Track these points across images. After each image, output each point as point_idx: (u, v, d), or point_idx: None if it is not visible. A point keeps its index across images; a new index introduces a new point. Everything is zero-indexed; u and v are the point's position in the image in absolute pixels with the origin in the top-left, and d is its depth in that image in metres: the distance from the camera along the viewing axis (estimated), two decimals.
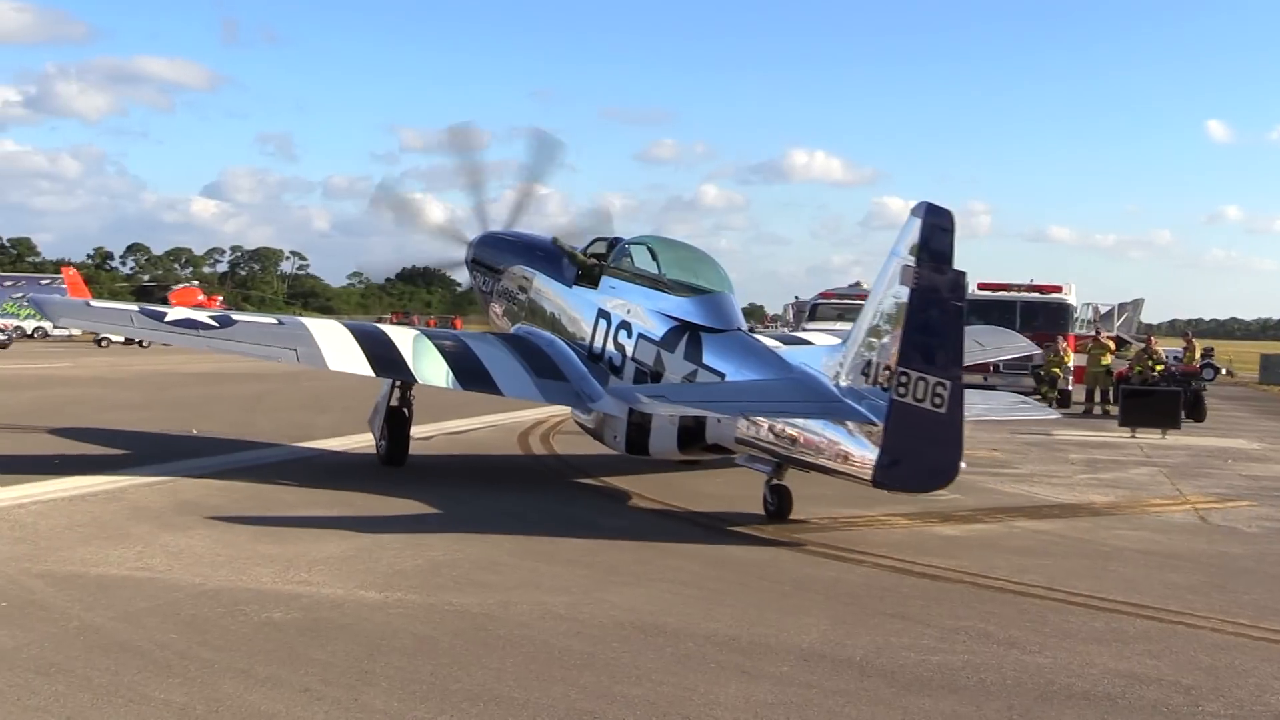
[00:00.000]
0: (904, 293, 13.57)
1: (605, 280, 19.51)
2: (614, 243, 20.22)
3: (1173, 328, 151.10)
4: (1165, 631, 10.98)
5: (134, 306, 19.24)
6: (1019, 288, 43.94)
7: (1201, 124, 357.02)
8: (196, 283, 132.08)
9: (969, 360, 29.07)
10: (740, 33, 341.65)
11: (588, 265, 20.18)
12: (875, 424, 13.66)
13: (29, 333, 75.88)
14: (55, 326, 68.93)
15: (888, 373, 13.61)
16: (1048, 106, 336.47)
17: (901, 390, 13.17)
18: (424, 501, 16.50)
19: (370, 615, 10.38)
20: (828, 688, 8.81)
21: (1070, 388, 41.40)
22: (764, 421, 15.74)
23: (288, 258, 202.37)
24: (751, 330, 18.69)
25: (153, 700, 7.99)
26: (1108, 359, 40.43)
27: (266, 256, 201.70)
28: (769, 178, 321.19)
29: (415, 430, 20.82)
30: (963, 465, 13.54)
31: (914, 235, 13.72)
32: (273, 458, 20.69)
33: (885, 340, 13.87)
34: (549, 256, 21.33)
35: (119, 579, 11.40)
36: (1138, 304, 53.83)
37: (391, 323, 33.92)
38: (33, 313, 71.70)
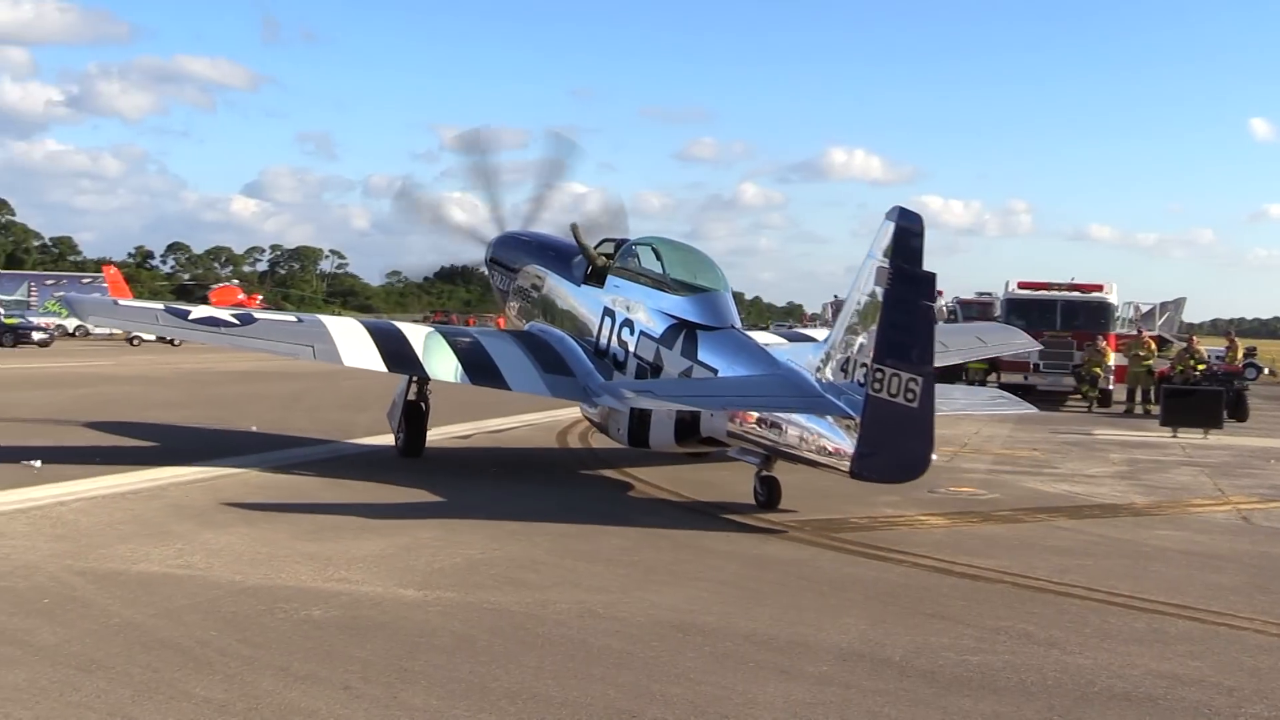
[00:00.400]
0: (880, 292, 14.38)
1: (610, 279, 20.13)
2: (620, 243, 20.89)
3: (1214, 327, 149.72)
4: (1207, 633, 10.92)
5: (159, 305, 20.01)
6: (1060, 287, 43.68)
7: (1245, 122, 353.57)
8: (236, 282, 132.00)
9: (973, 355, 31.55)
10: (780, 31, 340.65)
11: (597, 259, 20.80)
12: (853, 417, 14.43)
13: (70, 331, 76.36)
14: (90, 325, 70.23)
15: (864, 369, 14.28)
16: (1089, 104, 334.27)
17: (877, 386, 13.88)
18: (462, 499, 16.57)
19: (409, 613, 10.42)
20: (867, 687, 8.80)
21: (1111, 387, 41.22)
22: (753, 415, 16.30)
23: (327, 256, 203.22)
24: (756, 327, 19.02)
25: (193, 697, 8.04)
26: (1150, 358, 40.22)
27: (306, 255, 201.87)
28: (808, 176, 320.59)
29: (454, 429, 21.02)
30: (934, 458, 14.16)
31: (887, 239, 14.48)
32: (311, 456, 20.76)
33: (863, 338, 14.62)
34: (560, 256, 22.04)
35: (159, 576, 11.48)
36: (1179, 303, 53.32)
37: (433, 321, 34.23)
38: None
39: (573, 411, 28.12)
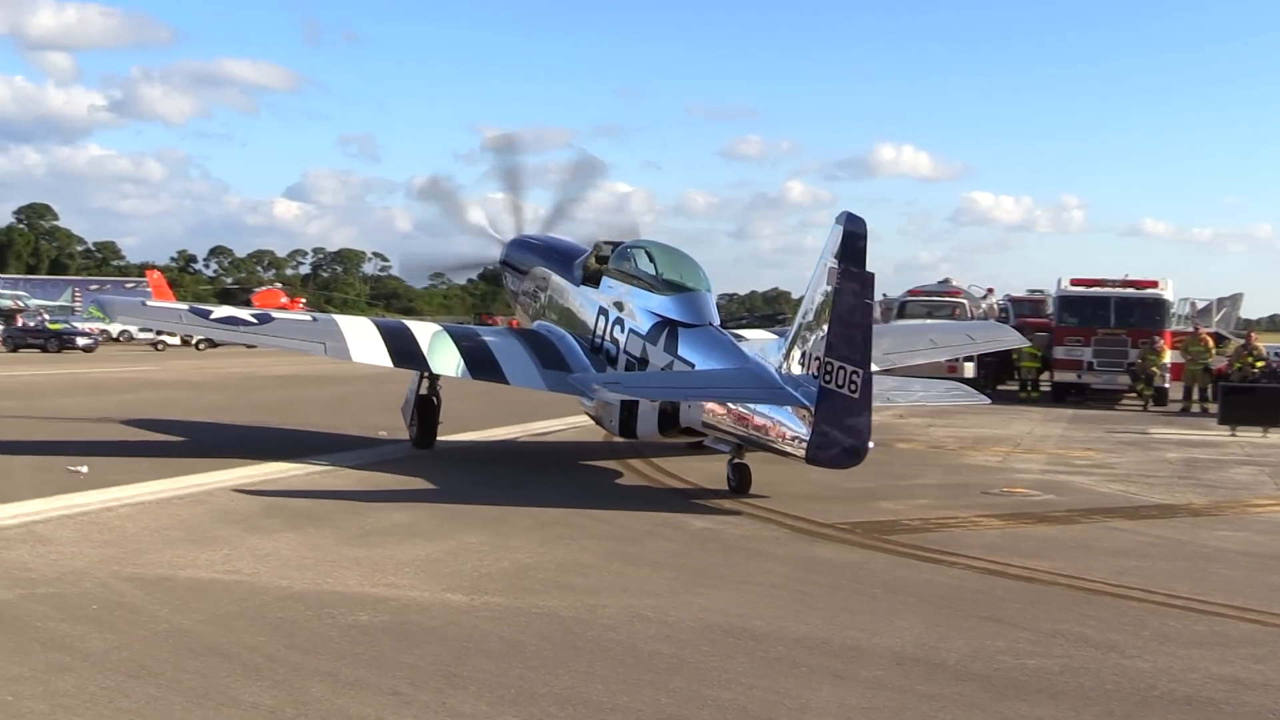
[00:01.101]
0: (830, 291, 15.76)
1: (605, 281, 21.64)
2: (615, 245, 22.22)
3: (1273, 323, 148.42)
4: (1270, 635, 10.79)
5: (184, 306, 22.28)
6: (1113, 283, 43.25)
7: None
8: (279, 285, 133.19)
9: (962, 352, 33.90)
10: (826, 27, 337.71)
11: (598, 268, 22.13)
12: (809, 408, 15.76)
13: (114, 336, 77.30)
14: (123, 325, 71.40)
15: (818, 362, 15.68)
16: (1142, 97, 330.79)
17: (828, 378, 15.38)
18: (509, 503, 16.54)
19: (457, 618, 10.42)
20: (922, 692, 8.73)
21: (1167, 385, 40.86)
22: (723, 408, 17.74)
23: (370, 259, 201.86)
24: (724, 324, 20.88)
25: (241, 703, 8.07)
26: (1207, 356, 39.84)
27: (349, 258, 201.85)
28: (856, 174, 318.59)
29: (500, 432, 21.18)
30: (871, 444, 15.55)
31: (837, 241, 15.88)
32: (358, 459, 20.82)
33: (818, 334, 15.92)
34: (564, 259, 23.69)
35: (207, 582, 11.53)
36: (1236, 299, 52.75)
37: (480, 324, 35.07)
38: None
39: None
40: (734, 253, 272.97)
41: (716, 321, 20.09)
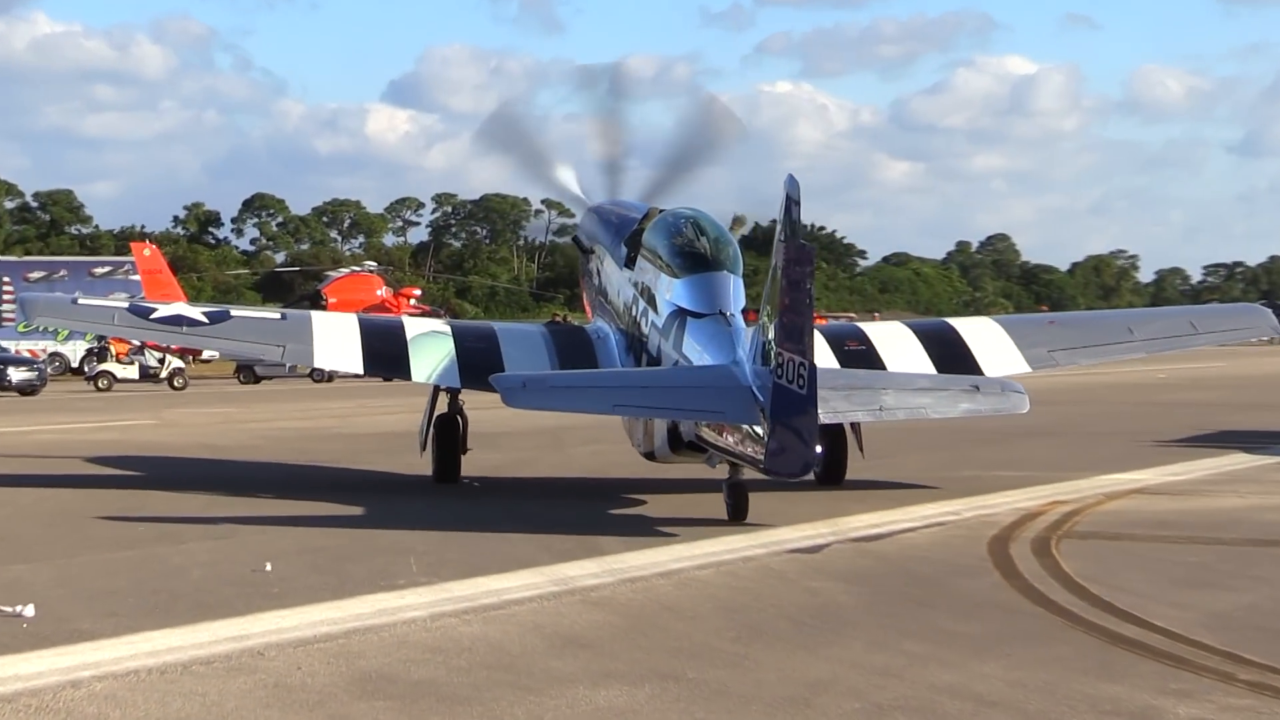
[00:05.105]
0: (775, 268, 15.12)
1: (639, 260, 19.60)
2: (648, 214, 20.37)
3: None
4: None
5: (120, 304, 22.01)
6: None
7: None
8: (373, 265, 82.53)
9: (1183, 345, 26.51)
10: None
11: (637, 245, 19.94)
12: (762, 412, 14.74)
13: (79, 365, 54.40)
14: (77, 344, 57.05)
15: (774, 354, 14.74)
16: None
17: (779, 371, 14.39)
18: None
19: None
20: None
21: None
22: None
23: (538, 213, 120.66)
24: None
25: None
26: None
27: (501, 210, 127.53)
28: None
29: (796, 533, 15.94)
30: (818, 450, 15.01)
31: (781, 210, 15.33)
32: (516, 588, 12.92)
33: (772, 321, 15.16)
34: (617, 232, 21.06)
35: None
36: None
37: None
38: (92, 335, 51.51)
39: (1032, 495, 19.98)
40: (1237, 183, 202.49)
41: (733, 309, 17.94)
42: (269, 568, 13.53)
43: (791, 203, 15.02)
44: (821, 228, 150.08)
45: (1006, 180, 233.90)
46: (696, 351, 17.28)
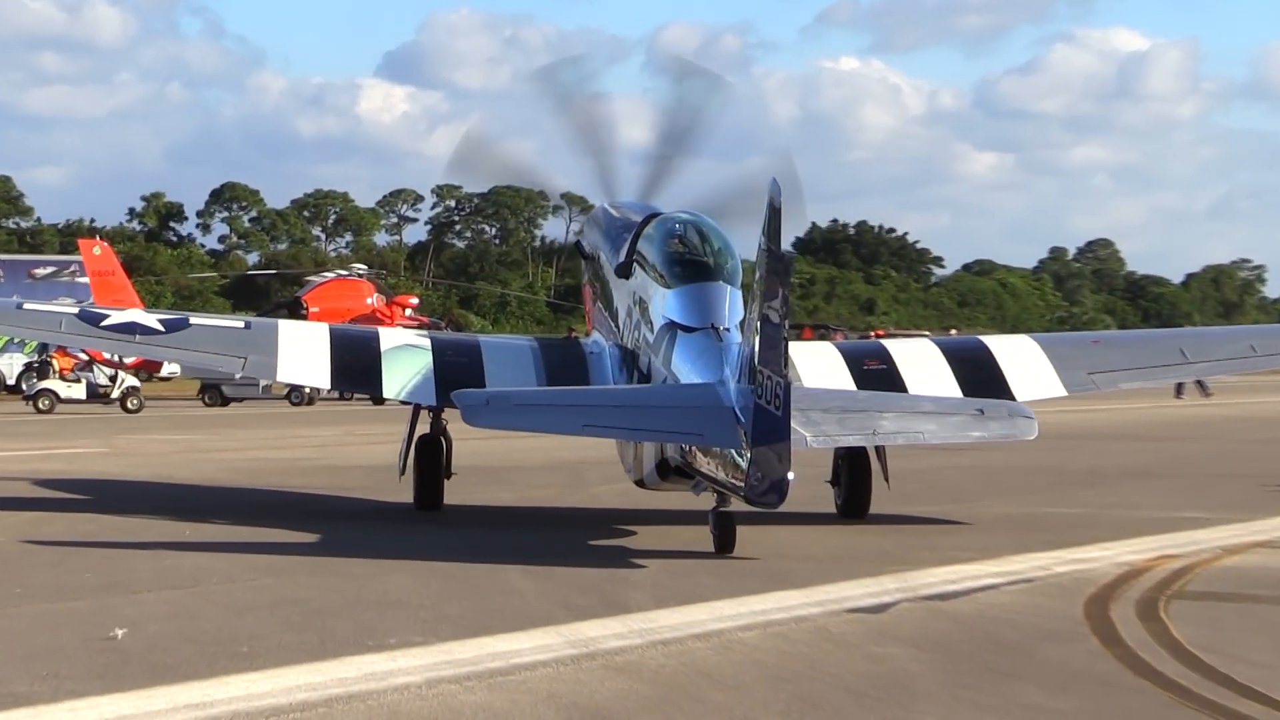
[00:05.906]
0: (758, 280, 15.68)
1: (635, 271, 20.41)
2: (649, 218, 20.85)
3: None
4: None
5: (68, 309, 22.47)
6: None
7: None
8: (362, 269, 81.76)
9: (1243, 367, 28.42)
10: None
11: (632, 255, 20.63)
12: (741, 440, 15.53)
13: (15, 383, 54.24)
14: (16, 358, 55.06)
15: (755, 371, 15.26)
16: None
17: (759, 392, 15.05)
18: None
19: None
20: None
21: None
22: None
23: (556, 208, 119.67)
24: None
25: None
26: None
27: (515, 205, 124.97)
28: None
29: (857, 589, 16.06)
30: (790, 476, 15.07)
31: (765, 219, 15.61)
32: (585, 642, 13.48)
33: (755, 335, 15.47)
34: (616, 236, 21.73)
35: None
36: None
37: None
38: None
39: (1133, 547, 19.86)
40: None
41: (727, 322, 18.51)
42: (119, 634, 12.61)
43: (772, 208, 15.52)
44: (891, 230, 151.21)
45: (1110, 176, 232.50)
46: (684, 369, 17.87)
